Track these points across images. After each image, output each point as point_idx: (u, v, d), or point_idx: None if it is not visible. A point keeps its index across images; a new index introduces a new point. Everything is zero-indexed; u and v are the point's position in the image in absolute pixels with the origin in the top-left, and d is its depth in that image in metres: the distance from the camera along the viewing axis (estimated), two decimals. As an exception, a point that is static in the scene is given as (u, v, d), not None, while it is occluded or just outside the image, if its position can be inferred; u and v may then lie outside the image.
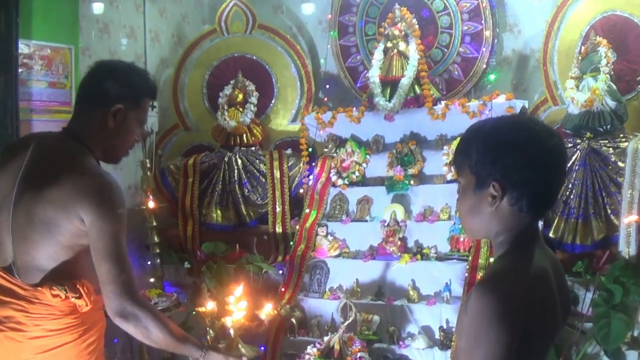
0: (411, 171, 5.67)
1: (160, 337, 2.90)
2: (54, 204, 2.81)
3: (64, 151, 2.93)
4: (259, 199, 6.30)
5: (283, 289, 5.51)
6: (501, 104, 5.35)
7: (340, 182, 5.94)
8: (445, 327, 4.92)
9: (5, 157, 3.00)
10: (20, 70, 5.12)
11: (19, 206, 2.87)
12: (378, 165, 5.94)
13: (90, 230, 2.83)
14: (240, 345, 3.41)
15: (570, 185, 5.06)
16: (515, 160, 2.00)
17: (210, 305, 3.79)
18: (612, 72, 5.12)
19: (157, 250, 5.87)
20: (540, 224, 4.80)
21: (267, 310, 4.36)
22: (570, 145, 5.10)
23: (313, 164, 6.24)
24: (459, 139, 2.19)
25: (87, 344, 3.01)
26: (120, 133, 3.02)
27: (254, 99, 6.40)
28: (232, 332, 3.45)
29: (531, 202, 2.05)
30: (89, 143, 2.99)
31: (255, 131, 6.45)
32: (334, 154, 6.10)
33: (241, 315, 3.52)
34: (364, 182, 5.97)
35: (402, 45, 5.82)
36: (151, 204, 5.78)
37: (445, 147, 5.57)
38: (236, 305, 3.58)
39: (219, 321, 3.64)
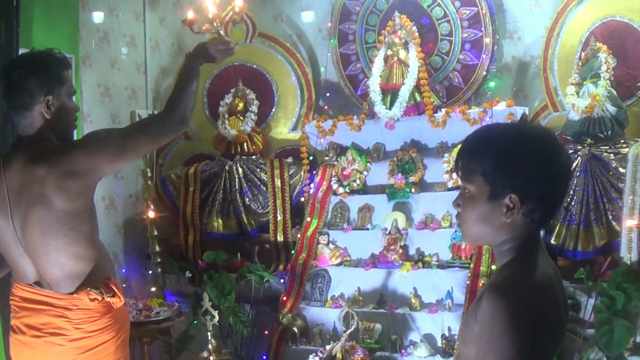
0: (412, 179, 5.67)
1: (191, 91, 3.22)
2: (71, 200, 2.95)
3: (37, 156, 2.99)
4: (260, 207, 6.29)
5: (285, 298, 5.50)
6: (502, 111, 5.34)
7: (341, 190, 5.93)
8: (447, 334, 4.91)
9: None
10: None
11: (29, 227, 2.97)
12: (379, 173, 5.93)
13: (112, 164, 3.15)
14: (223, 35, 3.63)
15: (571, 192, 5.04)
16: (536, 174, 1.99)
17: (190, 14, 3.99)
18: (612, 78, 5.11)
19: (159, 260, 5.88)
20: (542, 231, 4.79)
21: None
22: (571, 151, 5.08)
23: (314, 172, 6.22)
24: (462, 142, 2.16)
25: (121, 340, 3.17)
26: (61, 115, 3.10)
27: (254, 108, 6.40)
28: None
29: (544, 213, 2.05)
30: (43, 138, 3.05)
31: (256, 140, 6.45)
32: (335, 162, 6.09)
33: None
34: (365, 190, 5.96)
35: (402, 53, 5.82)
36: (152, 214, 5.79)
37: (446, 155, 5.56)
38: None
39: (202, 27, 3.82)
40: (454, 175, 5.37)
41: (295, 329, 5.32)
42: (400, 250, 5.41)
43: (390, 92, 5.78)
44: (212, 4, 3.62)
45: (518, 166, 2.00)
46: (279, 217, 6.17)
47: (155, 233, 5.85)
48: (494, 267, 4.87)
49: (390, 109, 5.70)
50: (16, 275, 3.11)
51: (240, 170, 6.36)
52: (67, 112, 3.11)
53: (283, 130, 6.67)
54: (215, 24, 3.62)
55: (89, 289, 2.98)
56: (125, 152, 3.06)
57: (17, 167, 2.98)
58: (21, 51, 4.85)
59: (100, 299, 2.99)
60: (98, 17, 6.10)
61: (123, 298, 3.12)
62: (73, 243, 2.97)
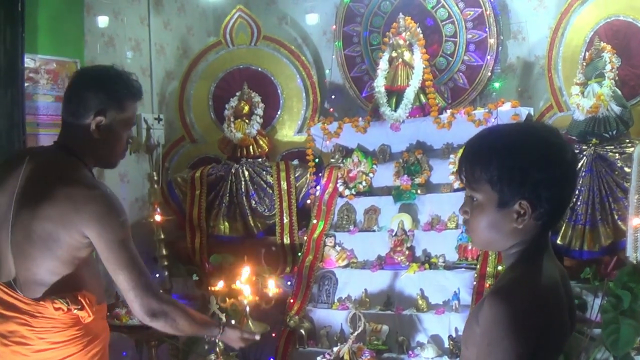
0: (418, 180, 5.66)
1: (187, 325, 3.05)
2: (51, 220, 2.81)
3: (57, 165, 2.91)
4: (266, 210, 6.30)
5: (292, 300, 5.50)
6: (507, 112, 5.34)
7: (347, 192, 5.93)
8: (454, 335, 4.90)
9: (1, 174, 2.98)
10: (26, 84, 5.15)
11: (17, 223, 2.87)
12: (385, 175, 5.93)
13: (98, 244, 2.84)
14: (250, 322, 3.67)
15: (577, 192, 5.04)
16: (544, 177, 1.94)
17: (220, 284, 3.94)
18: (616, 78, 5.11)
19: (165, 263, 5.87)
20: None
21: (272, 288, 4.64)
22: (576, 151, 5.08)
23: (320, 174, 6.23)
24: (464, 146, 2.12)
25: (92, 354, 3.02)
26: (109, 142, 2.99)
27: (259, 111, 6.41)
28: (247, 309, 3.74)
29: (554, 216, 2.02)
30: (80, 154, 2.96)
31: (261, 142, 6.47)
32: (341, 164, 6.09)
33: (249, 294, 3.86)
34: (371, 192, 5.96)
35: (406, 55, 5.82)
36: (158, 217, 5.78)
37: (452, 156, 5.55)
38: (243, 286, 3.82)
39: (229, 300, 3.83)
40: (463, 178, 5.36)
41: (303, 331, 5.32)
42: (407, 252, 5.41)
43: (395, 94, 5.79)
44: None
45: (524, 171, 1.94)
46: (285, 220, 6.18)
47: (162, 236, 5.85)
48: (500, 267, 4.88)
49: (395, 110, 5.71)
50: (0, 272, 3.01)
51: (246, 173, 6.38)
52: (115, 140, 3.00)
53: (289, 132, 6.69)
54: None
55: (54, 297, 2.87)
56: (108, 246, 2.83)
57: (36, 164, 2.92)
58: (26, 56, 4.88)
59: (65, 309, 2.87)
60: (103, 21, 6.12)
61: (92, 314, 2.95)
62: (49, 260, 2.87)
